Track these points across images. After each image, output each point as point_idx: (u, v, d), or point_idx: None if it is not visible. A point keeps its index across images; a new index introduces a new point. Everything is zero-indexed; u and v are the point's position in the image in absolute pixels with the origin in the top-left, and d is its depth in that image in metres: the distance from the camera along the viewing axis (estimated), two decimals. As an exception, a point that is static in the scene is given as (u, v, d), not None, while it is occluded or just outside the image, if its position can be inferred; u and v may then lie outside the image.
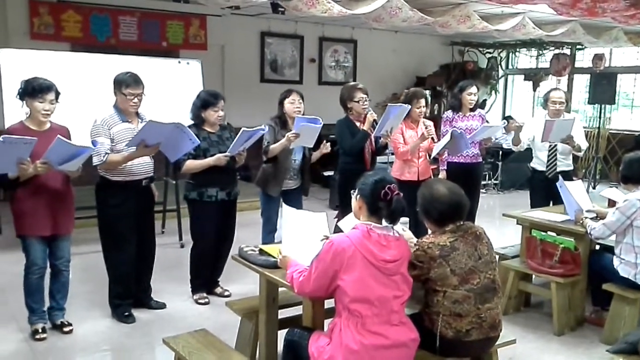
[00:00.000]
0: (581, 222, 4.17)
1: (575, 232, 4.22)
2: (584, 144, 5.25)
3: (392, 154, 7.68)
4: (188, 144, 4.01)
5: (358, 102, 4.89)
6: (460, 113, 5.57)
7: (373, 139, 4.99)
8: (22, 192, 3.64)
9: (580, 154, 5.41)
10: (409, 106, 5.05)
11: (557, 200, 4.82)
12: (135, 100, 4.00)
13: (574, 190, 4.39)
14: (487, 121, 5.84)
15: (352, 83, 5.24)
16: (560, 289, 4.13)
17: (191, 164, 4.29)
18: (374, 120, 4.88)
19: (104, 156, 3.87)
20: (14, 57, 5.66)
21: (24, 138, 3.30)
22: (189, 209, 4.57)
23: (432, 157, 5.29)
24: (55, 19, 7.76)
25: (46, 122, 3.75)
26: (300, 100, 4.76)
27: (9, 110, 5.14)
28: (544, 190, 5.23)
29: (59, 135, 3.47)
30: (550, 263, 4.17)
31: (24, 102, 3.68)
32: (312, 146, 4.75)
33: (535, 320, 4.41)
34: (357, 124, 4.94)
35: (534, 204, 5.30)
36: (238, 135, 4.21)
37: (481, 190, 9.53)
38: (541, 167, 5.33)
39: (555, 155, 5.24)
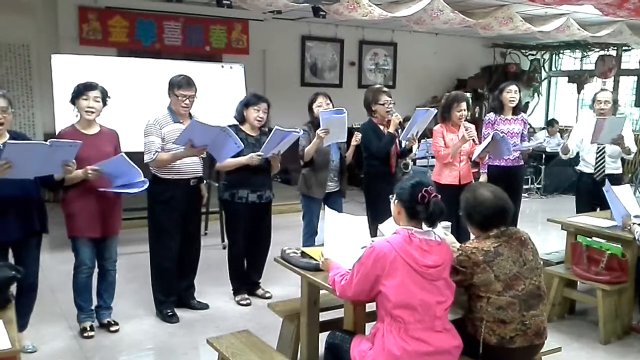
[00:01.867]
0: (629, 227, 4.07)
1: (622, 239, 4.12)
2: (633, 147, 5.10)
3: (432, 157, 7.70)
4: (233, 147, 4.10)
5: (383, 104, 4.89)
6: (502, 115, 5.50)
7: (398, 142, 4.99)
8: (73, 194, 3.76)
9: (630, 157, 5.25)
10: (435, 110, 5.05)
11: (604, 205, 4.70)
12: (187, 101, 4.12)
13: (622, 195, 4.29)
14: (529, 125, 5.75)
15: (377, 86, 5.24)
16: (607, 296, 4.03)
17: (225, 162, 4.36)
18: (400, 122, 4.87)
19: (154, 154, 4.03)
20: (64, 63, 5.85)
21: (69, 141, 3.41)
22: (223, 210, 4.64)
23: (472, 160, 5.24)
24: (102, 25, 8.01)
25: (95, 125, 3.87)
26: (328, 102, 4.80)
27: (60, 114, 5.32)
28: (591, 194, 5.12)
29: (122, 154, 3.64)
30: (596, 270, 4.08)
31: (75, 105, 3.81)
32: (345, 140, 4.76)
33: (580, 328, 4.32)
34: (381, 127, 4.94)
35: (580, 209, 5.20)
36: (271, 134, 4.27)
37: (523, 195, 9.41)
38: (589, 170, 5.21)
39: (604, 157, 5.12)
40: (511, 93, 5.46)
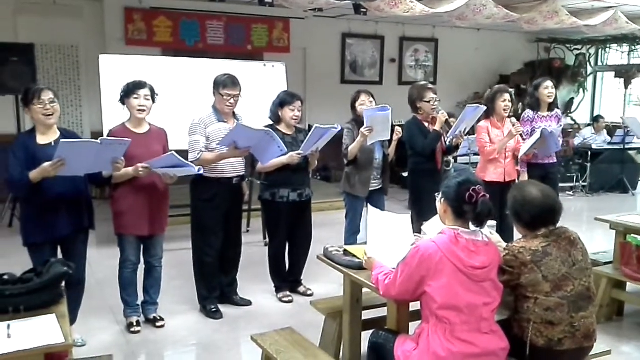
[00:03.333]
0: (682, 228, 3.95)
1: (675, 239, 4.00)
2: None
3: (475, 154, 7.60)
4: (276, 150, 4.13)
5: (429, 102, 4.83)
6: (540, 113, 5.40)
7: (443, 140, 4.94)
8: (122, 192, 3.85)
9: None
10: (485, 107, 4.97)
11: None
12: (232, 101, 4.17)
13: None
14: (574, 121, 5.63)
15: (422, 83, 5.16)
16: (658, 298, 3.93)
17: (266, 163, 4.38)
18: (447, 120, 4.82)
19: (198, 154, 4.09)
20: (111, 63, 5.98)
21: (119, 139, 3.49)
22: (264, 209, 4.69)
23: (520, 157, 5.15)
24: (147, 25, 8.18)
25: (145, 124, 3.95)
26: (371, 100, 4.77)
27: (107, 113, 5.45)
28: None
29: (173, 152, 3.70)
30: (646, 271, 3.97)
31: (125, 105, 3.89)
32: (389, 138, 4.74)
33: (629, 331, 4.21)
34: (425, 124, 4.90)
35: None
36: (311, 132, 4.28)
37: (568, 193, 9.29)
38: None
39: None
40: (548, 89, 5.37)
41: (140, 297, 4.19)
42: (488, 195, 2.57)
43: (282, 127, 4.51)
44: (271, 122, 4.53)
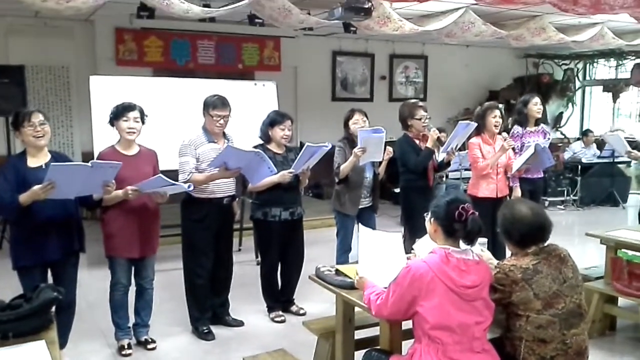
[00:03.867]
0: (672, 242, 3.97)
1: (665, 253, 4.02)
2: None
3: (465, 169, 7.63)
4: (266, 171, 4.14)
5: (420, 119, 4.87)
6: (527, 128, 5.47)
7: (435, 156, 4.98)
8: (113, 214, 3.84)
9: None
10: (476, 123, 5.02)
11: None
12: (222, 121, 4.17)
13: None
14: (549, 136, 5.70)
15: (413, 100, 5.21)
16: (650, 312, 3.94)
17: (258, 183, 4.38)
18: (439, 138, 4.86)
19: (188, 175, 4.08)
20: (102, 83, 5.99)
21: (110, 162, 3.49)
22: (256, 229, 4.68)
23: (511, 173, 5.19)
24: (138, 45, 8.20)
25: (134, 146, 3.95)
26: (364, 119, 4.79)
27: (98, 134, 5.44)
28: None
29: (160, 175, 3.69)
30: (638, 285, 3.99)
31: (114, 127, 3.89)
32: (380, 159, 4.76)
33: (622, 345, 4.22)
34: (416, 141, 4.93)
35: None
36: (302, 151, 4.29)
37: (559, 207, 9.34)
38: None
39: None
40: (537, 105, 5.47)
41: (132, 320, 4.15)
42: (477, 213, 2.58)
43: (272, 147, 4.52)
44: (262, 142, 4.54)
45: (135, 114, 3.85)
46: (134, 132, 3.86)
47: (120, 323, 4.06)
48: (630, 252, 4.18)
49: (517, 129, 5.56)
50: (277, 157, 4.46)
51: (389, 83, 10.69)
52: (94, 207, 3.81)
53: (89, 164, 3.33)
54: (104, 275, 4.14)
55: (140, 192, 3.71)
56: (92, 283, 4.98)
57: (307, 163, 4.40)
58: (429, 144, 4.81)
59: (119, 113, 3.85)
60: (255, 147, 4.43)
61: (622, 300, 4.35)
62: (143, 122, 3.92)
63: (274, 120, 4.51)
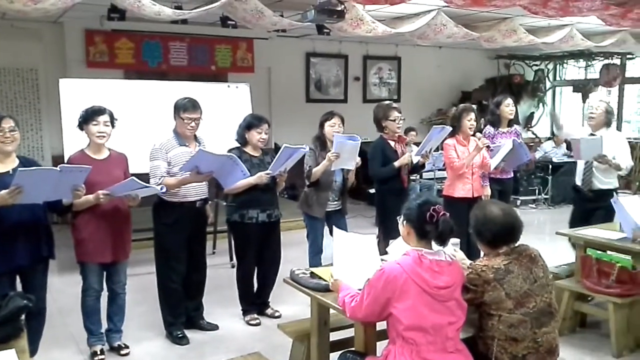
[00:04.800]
0: (639, 239, 4.05)
1: (632, 251, 4.10)
2: (625, 162, 5.00)
3: (440, 169, 7.70)
4: (239, 175, 4.13)
5: (394, 120, 4.93)
6: (500, 129, 5.55)
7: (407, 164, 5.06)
8: (83, 219, 3.78)
9: (622, 172, 5.15)
10: (450, 128, 5.08)
11: (595, 219, 4.83)
12: (193, 124, 4.14)
13: (630, 207, 4.27)
14: (521, 136, 5.80)
15: (387, 102, 5.27)
16: (618, 309, 4.01)
17: (234, 184, 4.36)
18: (410, 162, 4.96)
19: (159, 179, 4.04)
20: (72, 86, 5.90)
21: (79, 166, 3.43)
22: (232, 231, 4.66)
23: (492, 170, 5.27)
24: (109, 47, 8.09)
25: (104, 150, 3.89)
26: (340, 124, 4.81)
27: (68, 137, 5.36)
28: (582, 207, 5.15)
29: (132, 178, 3.65)
30: (606, 283, 4.06)
31: (83, 130, 3.83)
32: (353, 168, 4.78)
33: (592, 342, 4.29)
34: (392, 143, 4.98)
35: (572, 222, 5.22)
36: (280, 152, 4.29)
37: (531, 206, 9.47)
38: (579, 183, 5.20)
39: (591, 172, 5.05)
40: (510, 106, 5.57)
41: (104, 325, 4.10)
42: (448, 214, 2.61)
43: (248, 149, 4.50)
44: (238, 144, 4.52)
45: (105, 117, 3.80)
46: (104, 136, 3.81)
47: (93, 329, 4.00)
48: (599, 251, 4.25)
49: (489, 129, 5.64)
50: (254, 159, 4.45)
51: (363, 84, 10.73)
52: (63, 212, 3.75)
53: (58, 168, 3.28)
54: (75, 281, 4.08)
55: (112, 196, 3.66)
56: (64, 289, 4.90)
57: (284, 165, 4.40)
58: (397, 164, 4.87)
59: (88, 117, 3.79)
60: (231, 149, 4.43)
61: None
62: (113, 126, 3.87)
63: (250, 124, 4.49)
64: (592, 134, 5.05)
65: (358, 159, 4.77)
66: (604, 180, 5.09)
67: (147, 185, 3.72)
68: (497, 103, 5.65)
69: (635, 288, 4.00)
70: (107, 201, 3.67)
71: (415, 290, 2.47)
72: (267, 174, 4.34)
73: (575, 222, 5.14)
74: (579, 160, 5.08)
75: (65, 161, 3.92)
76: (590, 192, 5.08)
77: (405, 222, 2.66)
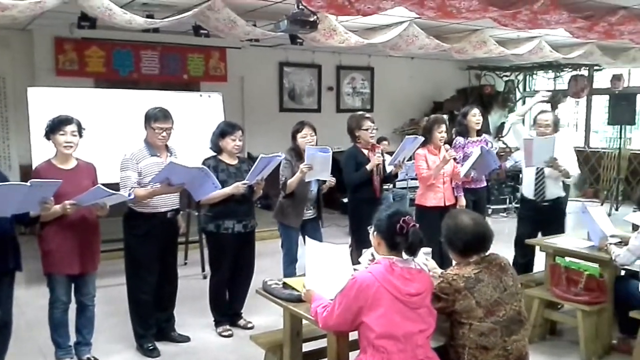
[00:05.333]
0: (605, 248, 4.13)
1: (599, 259, 4.17)
2: (573, 170, 5.01)
3: (412, 179, 7.75)
4: (211, 187, 4.10)
5: (367, 130, 4.98)
6: (469, 138, 5.62)
7: (383, 167, 5.11)
8: (51, 230, 3.71)
9: (570, 181, 5.17)
10: (423, 138, 5.13)
11: (547, 230, 4.87)
12: (164, 134, 4.10)
13: (598, 217, 4.35)
14: (491, 145, 5.87)
15: (360, 112, 5.33)
16: (587, 316, 4.07)
17: (210, 194, 4.33)
18: (382, 150, 4.96)
19: (130, 189, 3.98)
20: (41, 95, 5.79)
21: (50, 181, 3.37)
22: (207, 241, 4.63)
23: (461, 177, 5.31)
24: (79, 55, 8.00)
25: (72, 159, 3.83)
26: (313, 134, 4.81)
27: (37, 146, 5.26)
28: (533, 219, 5.12)
29: (99, 185, 3.60)
30: (575, 290, 4.12)
31: (50, 140, 3.77)
32: (328, 179, 4.78)
33: (561, 349, 4.35)
34: (365, 152, 5.02)
35: (521, 233, 5.18)
36: (257, 162, 4.28)
37: (502, 214, 9.58)
38: (530, 196, 5.14)
39: (544, 182, 5.04)
40: (476, 116, 5.64)
41: (73, 338, 4.01)
42: (418, 225, 2.63)
43: (224, 158, 4.47)
44: (214, 153, 4.49)
45: (72, 127, 3.74)
46: (71, 146, 3.75)
47: (61, 342, 3.92)
48: (567, 259, 4.32)
49: (459, 139, 5.71)
50: (231, 168, 4.43)
51: (337, 94, 10.77)
52: (30, 223, 3.67)
53: (28, 183, 3.21)
54: (43, 293, 3.99)
55: (79, 205, 3.59)
56: (31, 301, 4.80)
57: (261, 173, 4.39)
58: (369, 167, 4.90)
59: (55, 127, 3.72)
60: (207, 158, 4.41)
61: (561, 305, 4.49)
62: (81, 136, 3.80)
63: (224, 131, 4.46)
64: None
65: (333, 180, 4.78)
66: (555, 189, 5.08)
67: (114, 192, 3.64)
68: (464, 113, 5.73)
69: (602, 295, 4.07)
70: (74, 211, 3.60)
71: (387, 298, 2.48)
72: (244, 184, 4.32)
73: (524, 235, 5.03)
74: (530, 166, 4.97)
75: (32, 171, 3.85)
76: (544, 202, 5.06)
77: (375, 233, 2.68)
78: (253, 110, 9.50)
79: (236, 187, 4.30)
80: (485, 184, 5.79)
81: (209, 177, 4.03)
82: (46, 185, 3.33)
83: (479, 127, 5.65)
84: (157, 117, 4.08)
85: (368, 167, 4.92)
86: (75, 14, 5.51)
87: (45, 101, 5.65)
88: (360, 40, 6.59)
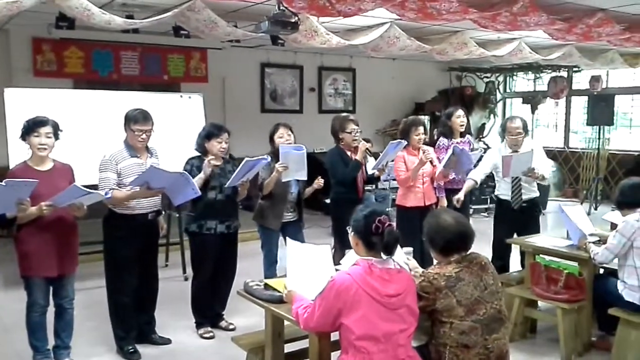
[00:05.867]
0: (584, 247, 4.17)
1: (579, 258, 4.21)
2: (547, 172, 5.13)
3: (393, 179, 7.78)
4: (190, 192, 4.06)
5: (350, 132, 4.98)
6: (453, 139, 5.65)
7: (364, 169, 5.09)
8: (27, 232, 3.66)
9: (545, 183, 5.31)
10: (405, 142, 5.14)
11: (523, 230, 4.92)
12: (144, 136, 4.06)
13: (576, 216, 4.40)
14: (473, 146, 5.90)
15: (344, 114, 5.34)
16: (566, 314, 4.11)
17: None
18: (367, 149, 4.96)
19: (109, 191, 3.92)
20: (17, 96, 5.70)
21: (25, 180, 3.32)
22: (189, 242, 4.60)
23: (436, 177, 5.32)
24: (57, 56, 7.89)
25: (48, 161, 3.78)
26: (289, 133, 4.80)
27: (14, 150, 5.19)
28: (510, 220, 5.19)
29: (75, 184, 3.55)
30: (555, 289, 4.16)
31: (26, 142, 3.72)
32: (305, 178, 4.75)
33: (542, 347, 4.39)
34: (348, 152, 5.02)
35: (498, 234, 5.25)
36: (241, 165, 4.25)
37: (483, 214, 9.65)
38: (506, 197, 5.21)
39: (520, 185, 5.12)
40: (460, 118, 5.66)
41: (51, 342, 3.95)
42: (394, 225, 2.64)
43: (209, 158, 4.44)
44: (198, 154, 4.45)
45: (47, 129, 3.68)
46: (46, 148, 3.69)
47: (39, 346, 3.86)
48: (547, 258, 4.36)
49: (442, 140, 5.73)
50: (215, 169, 4.39)
51: (319, 95, 10.77)
52: (6, 225, 3.62)
53: (3, 182, 3.17)
54: (20, 296, 3.93)
55: (55, 206, 3.53)
56: (8, 305, 4.73)
57: (245, 176, 4.36)
58: (358, 157, 4.90)
59: (29, 128, 3.67)
60: (192, 158, 4.37)
61: (541, 304, 4.53)
62: (57, 138, 3.75)
63: (210, 133, 4.43)
64: (515, 152, 5.05)
65: (321, 182, 4.78)
66: (530, 191, 5.16)
67: (91, 191, 3.59)
68: (449, 115, 5.74)
69: (582, 294, 4.11)
70: (50, 212, 3.54)
71: (366, 300, 2.48)
72: (216, 165, 4.28)
73: (501, 236, 5.12)
74: (508, 177, 5.05)
75: (8, 173, 3.79)
76: (522, 205, 5.12)
77: (353, 233, 2.68)
78: (234, 112, 9.45)
79: (207, 163, 4.24)
80: None
81: (189, 182, 4.00)
82: (22, 185, 3.28)
83: (463, 129, 5.67)
84: (136, 119, 4.03)
85: (358, 156, 4.89)
86: (53, 14, 5.45)
87: (22, 102, 5.57)
88: (342, 41, 6.60)
